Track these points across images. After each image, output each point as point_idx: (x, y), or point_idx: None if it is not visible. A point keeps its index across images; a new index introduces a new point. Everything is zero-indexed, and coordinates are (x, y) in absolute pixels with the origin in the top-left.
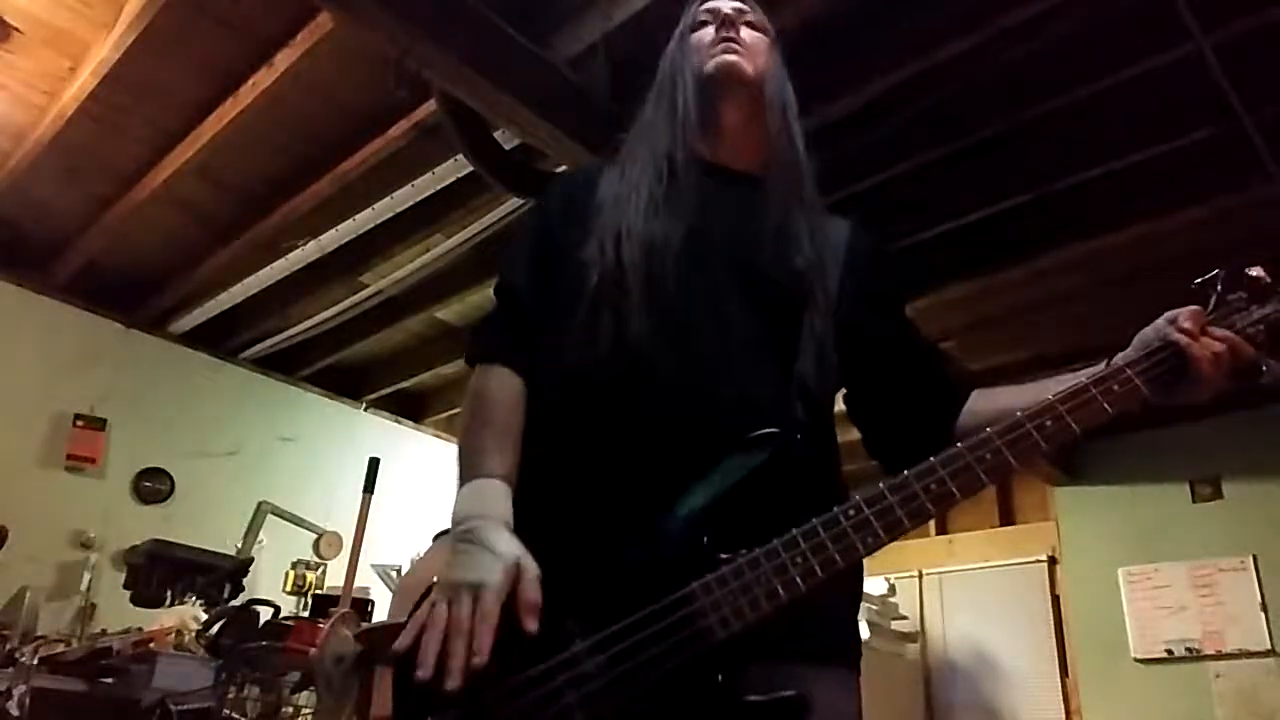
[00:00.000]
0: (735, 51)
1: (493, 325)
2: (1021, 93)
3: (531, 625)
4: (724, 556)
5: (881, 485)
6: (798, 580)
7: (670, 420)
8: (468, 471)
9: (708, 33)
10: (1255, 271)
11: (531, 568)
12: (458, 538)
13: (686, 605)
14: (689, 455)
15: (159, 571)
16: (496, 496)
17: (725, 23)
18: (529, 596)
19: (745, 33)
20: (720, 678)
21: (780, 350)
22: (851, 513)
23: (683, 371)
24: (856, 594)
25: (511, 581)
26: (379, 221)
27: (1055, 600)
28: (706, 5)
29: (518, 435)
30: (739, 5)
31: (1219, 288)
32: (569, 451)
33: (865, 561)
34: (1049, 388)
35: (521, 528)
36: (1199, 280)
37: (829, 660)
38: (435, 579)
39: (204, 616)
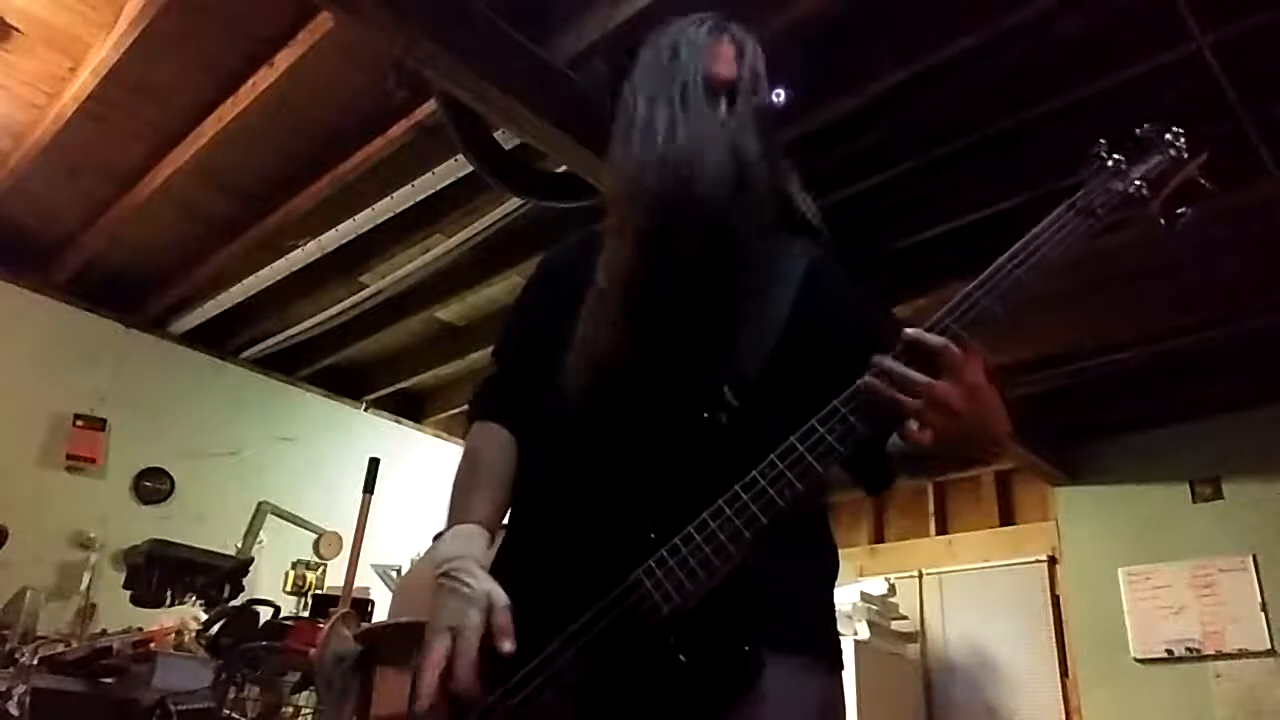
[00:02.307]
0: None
1: (486, 388)
2: (1021, 93)
3: (507, 647)
4: (653, 537)
5: (792, 438)
6: (725, 544)
7: (612, 433)
8: (452, 517)
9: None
10: (1139, 130)
11: (501, 599)
12: (440, 576)
13: (634, 591)
14: (631, 457)
15: (159, 571)
16: (473, 539)
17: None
18: (500, 623)
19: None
20: (672, 640)
21: (716, 353)
22: (767, 470)
23: (626, 388)
24: (821, 577)
25: (486, 614)
26: (379, 221)
27: (1055, 600)
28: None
29: (501, 482)
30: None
31: (1099, 155)
32: (549, 480)
33: (865, 562)
34: None
35: (510, 555)
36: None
37: (790, 649)
38: (427, 622)
39: (204, 616)
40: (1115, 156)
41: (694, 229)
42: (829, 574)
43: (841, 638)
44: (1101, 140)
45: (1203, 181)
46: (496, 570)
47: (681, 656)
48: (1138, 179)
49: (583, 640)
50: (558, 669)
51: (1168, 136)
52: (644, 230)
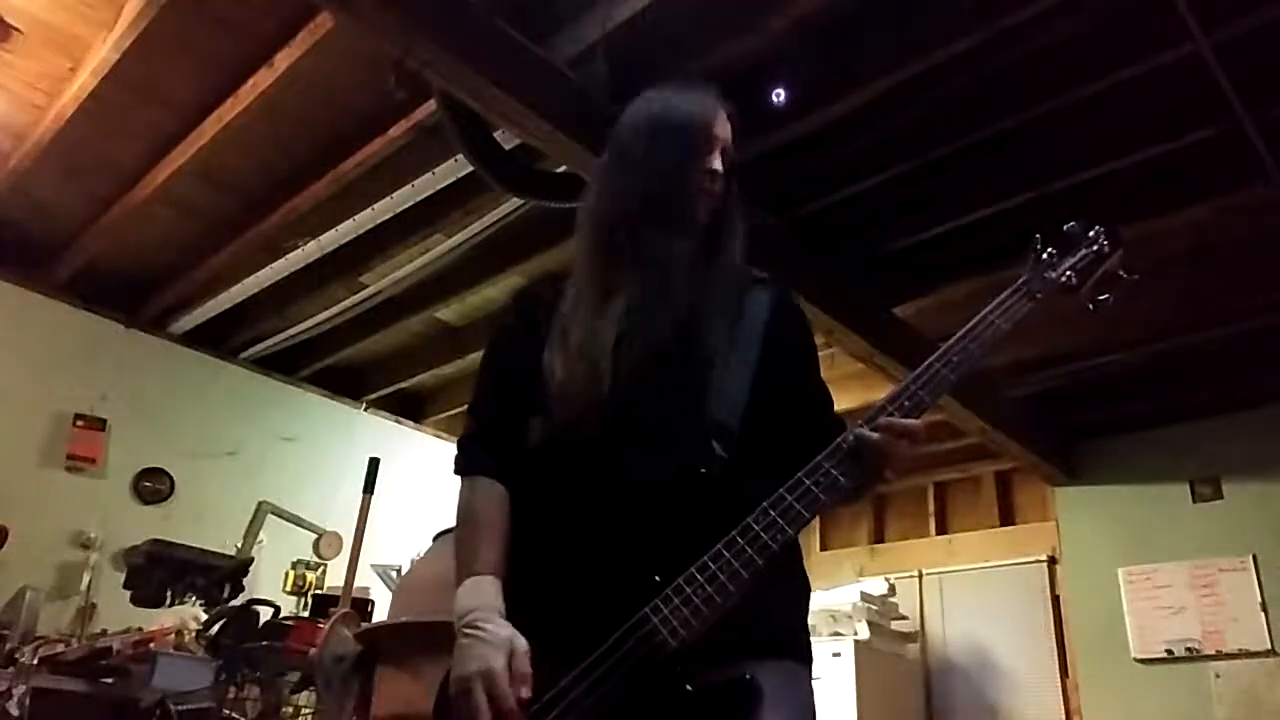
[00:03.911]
0: (714, 194)
1: (471, 442)
2: (1021, 93)
3: (524, 693)
4: (658, 579)
5: (782, 489)
6: (725, 584)
7: (612, 483)
8: (463, 570)
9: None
10: (1067, 226)
11: (521, 645)
12: (462, 627)
13: (642, 627)
14: (634, 507)
15: (159, 571)
16: (488, 589)
17: (715, 172)
18: (520, 669)
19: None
20: (679, 670)
21: (702, 402)
22: (760, 517)
23: (618, 439)
24: (799, 598)
25: (509, 658)
26: (379, 221)
27: (1055, 600)
28: (712, 129)
29: (502, 533)
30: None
31: (1036, 248)
32: (547, 528)
33: (865, 562)
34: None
35: (518, 595)
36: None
37: (778, 655)
38: (452, 672)
39: (204, 616)
40: (1050, 250)
41: (674, 289)
42: (805, 597)
43: (840, 638)
44: (1037, 235)
45: (1122, 273)
46: (508, 614)
47: (688, 686)
48: (1068, 270)
49: (596, 674)
50: (573, 701)
51: (1090, 234)
52: (628, 293)
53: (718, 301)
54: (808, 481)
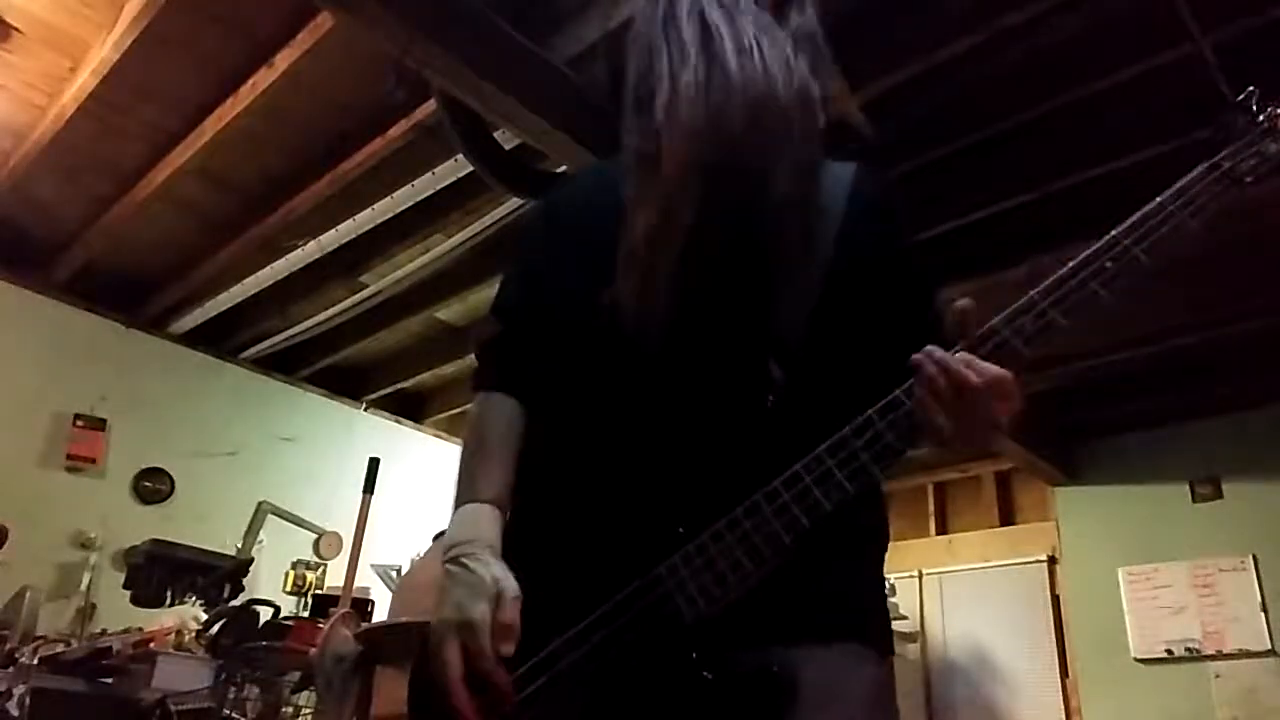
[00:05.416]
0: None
1: (491, 352)
2: (1021, 93)
3: (508, 649)
4: (681, 531)
5: (847, 429)
6: (759, 547)
7: (642, 409)
8: (460, 496)
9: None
10: None
11: (510, 590)
12: (447, 562)
13: (654, 589)
14: (663, 439)
15: (159, 571)
16: (484, 520)
17: None
18: (505, 620)
19: None
20: (695, 655)
21: (760, 313)
22: (813, 466)
23: (655, 352)
24: (868, 559)
25: (494, 605)
26: (379, 221)
27: (1055, 600)
28: None
29: (510, 457)
30: None
31: (1247, 109)
32: (560, 457)
33: None
34: None
35: (521, 538)
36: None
37: (836, 636)
38: (432, 615)
39: (204, 616)
40: (1268, 110)
41: (767, 165)
42: (875, 547)
43: None
44: (1251, 89)
45: None
46: (504, 555)
47: (706, 674)
48: None
49: (593, 640)
50: (563, 670)
51: None
52: (707, 166)
53: (792, 179)
54: (880, 422)
